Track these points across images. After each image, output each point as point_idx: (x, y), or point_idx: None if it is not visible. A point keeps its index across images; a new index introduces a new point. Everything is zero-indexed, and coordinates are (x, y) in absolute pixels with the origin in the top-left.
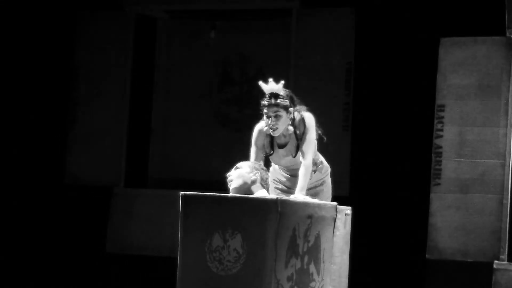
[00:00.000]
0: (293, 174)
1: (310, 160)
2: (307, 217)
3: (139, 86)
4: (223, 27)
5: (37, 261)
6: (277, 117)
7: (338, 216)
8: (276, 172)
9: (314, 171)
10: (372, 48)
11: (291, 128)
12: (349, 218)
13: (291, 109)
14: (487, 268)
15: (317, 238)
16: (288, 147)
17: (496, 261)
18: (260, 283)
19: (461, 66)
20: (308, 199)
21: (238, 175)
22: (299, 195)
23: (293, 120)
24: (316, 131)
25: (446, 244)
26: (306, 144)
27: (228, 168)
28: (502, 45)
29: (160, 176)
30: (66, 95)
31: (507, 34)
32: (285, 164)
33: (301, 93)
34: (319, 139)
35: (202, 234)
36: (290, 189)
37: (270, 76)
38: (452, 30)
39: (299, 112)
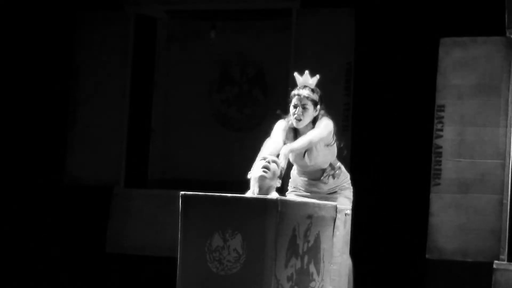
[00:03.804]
0: (310, 178)
1: (315, 136)
2: (307, 217)
3: (139, 86)
4: (223, 27)
5: (37, 261)
6: (304, 108)
7: (338, 216)
8: (295, 180)
9: (333, 176)
10: (372, 48)
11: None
12: (349, 218)
13: (318, 106)
14: (487, 268)
15: (317, 238)
16: None
17: (496, 261)
18: (260, 283)
19: (461, 66)
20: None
21: (274, 171)
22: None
23: (315, 121)
24: (336, 139)
25: (446, 244)
26: (315, 129)
27: (228, 168)
28: (502, 45)
29: (160, 176)
30: (66, 95)
31: (507, 34)
32: (302, 163)
33: None
34: (339, 150)
35: (202, 234)
36: (309, 193)
37: (270, 76)
38: (452, 30)
39: (322, 116)
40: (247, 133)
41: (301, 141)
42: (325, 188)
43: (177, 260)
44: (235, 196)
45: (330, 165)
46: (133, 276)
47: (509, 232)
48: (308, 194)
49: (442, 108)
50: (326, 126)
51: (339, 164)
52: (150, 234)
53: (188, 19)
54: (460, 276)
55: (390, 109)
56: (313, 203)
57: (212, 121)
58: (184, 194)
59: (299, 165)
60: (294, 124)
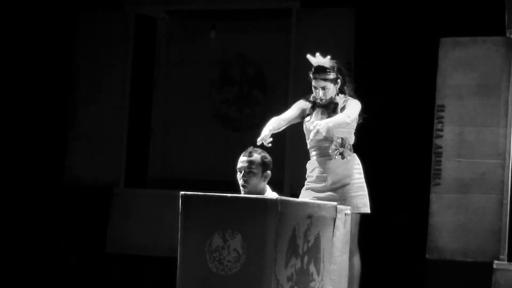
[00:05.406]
0: (320, 153)
1: (350, 115)
2: (307, 217)
3: (139, 86)
4: (223, 27)
5: (37, 261)
6: (324, 89)
7: (338, 216)
8: (311, 165)
9: (342, 155)
10: (372, 48)
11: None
12: (349, 218)
13: (339, 80)
14: (487, 268)
15: (317, 238)
16: (326, 110)
17: (496, 261)
18: (260, 283)
19: (461, 66)
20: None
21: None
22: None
23: (338, 93)
24: (358, 120)
25: (446, 244)
26: (349, 108)
27: (228, 168)
28: (502, 45)
29: (160, 176)
30: (66, 95)
31: (507, 34)
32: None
33: (301, 93)
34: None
35: (202, 234)
36: (318, 192)
37: (270, 76)
38: (452, 30)
39: (346, 97)
40: (247, 133)
41: (337, 119)
42: (334, 172)
43: (177, 260)
44: (235, 196)
45: (342, 139)
46: (133, 276)
47: (509, 232)
48: (320, 195)
49: (442, 108)
50: (357, 106)
51: (351, 146)
52: (150, 234)
53: (188, 19)
54: (460, 276)
55: (390, 109)
56: (313, 203)
57: (212, 121)
58: (184, 194)
59: (310, 131)
60: (320, 102)
